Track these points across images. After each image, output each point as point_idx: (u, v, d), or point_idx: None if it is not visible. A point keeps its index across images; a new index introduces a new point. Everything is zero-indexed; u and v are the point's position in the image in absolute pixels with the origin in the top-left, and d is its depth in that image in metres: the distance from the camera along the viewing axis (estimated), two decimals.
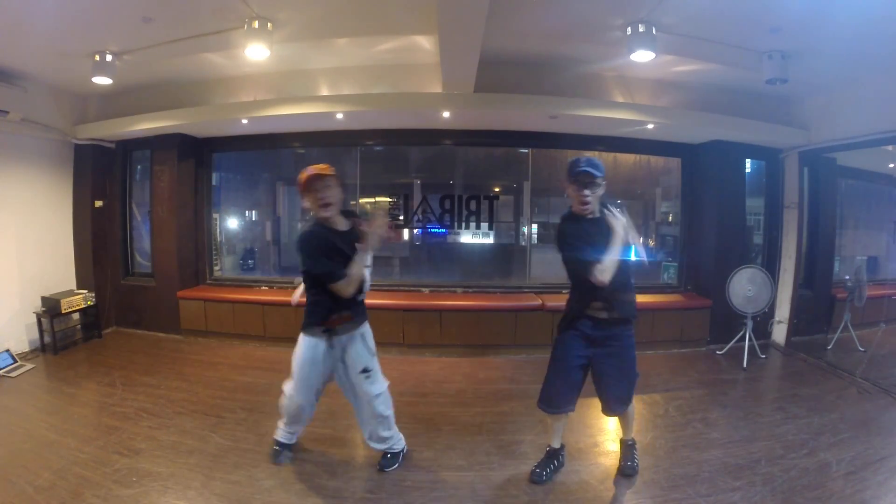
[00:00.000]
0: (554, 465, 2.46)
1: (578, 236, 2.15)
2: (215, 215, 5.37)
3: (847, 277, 4.63)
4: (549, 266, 5.39)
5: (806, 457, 2.60)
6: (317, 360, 2.39)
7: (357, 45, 3.71)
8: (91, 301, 4.66)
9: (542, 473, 2.40)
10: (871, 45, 3.08)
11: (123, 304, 5.12)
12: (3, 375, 3.72)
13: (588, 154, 5.16)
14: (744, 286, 4.29)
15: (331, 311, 2.30)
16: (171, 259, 4.92)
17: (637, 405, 3.06)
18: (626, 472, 2.46)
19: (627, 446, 2.54)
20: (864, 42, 3.04)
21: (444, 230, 5.23)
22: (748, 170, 4.99)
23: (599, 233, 2.12)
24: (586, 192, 2.11)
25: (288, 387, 2.46)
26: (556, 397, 2.31)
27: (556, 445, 2.48)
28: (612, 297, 2.18)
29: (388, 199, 5.22)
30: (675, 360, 4.33)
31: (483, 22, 2.66)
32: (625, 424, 2.53)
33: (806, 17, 2.81)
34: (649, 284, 5.14)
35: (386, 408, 2.45)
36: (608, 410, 2.36)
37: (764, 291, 4.24)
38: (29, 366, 3.95)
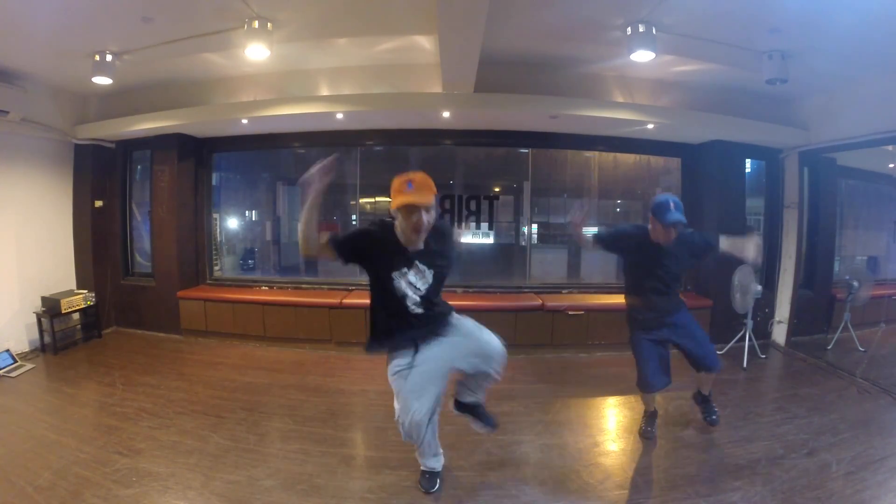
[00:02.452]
0: (655, 421, 2.88)
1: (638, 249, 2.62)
2: (215, 215, 5.37)
3: (848, 277, 4.62)
4: (549, 266, 5.40)
5: (806, 457, 2.60)
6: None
7: (357, 45, 3.71)
8: (91, 301, 4.66)
9: (651, 431, 2.82)
10: (871, 45, 3.08)
11: (123, 304, 5.12)
12: (3, 375, 3.72)
13: (587, 154, 5.25)
14: (734, 285, 4.28)
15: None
16: (171, 259, 4.92)
17: (637, 405, 3.08)
18: (713, 423, 2.91)
19: (706, 399, 2.95)
20: (864, 42, 3.03)
21: None
22: (748, 170, 4.99)
23: (665, 256, 2.55)
24: (673, 234, 2.48)
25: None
26: (653, 378, 2.68)
27: (652, 409, 2.89)
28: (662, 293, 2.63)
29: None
30: (675, 360, 4.29)
31: (483, 22, 2.66)
32: (707, 381, 2.89)
33: (806, 17, 2.81)
34: None
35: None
36: (705, 369, 2.75)
37: (751, 288, 4.22)
38: (29, 366, 3.95)
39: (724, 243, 2.71)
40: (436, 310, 2.12)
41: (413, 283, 2.03)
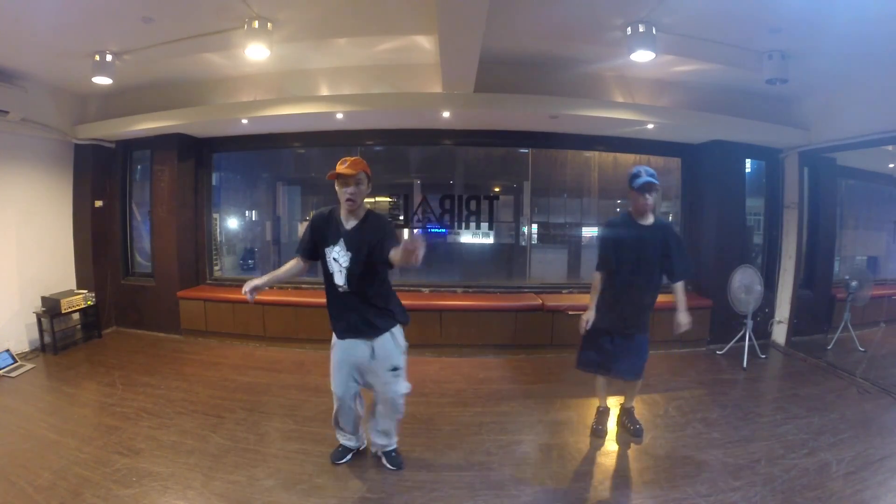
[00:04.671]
0: (606, 420, 2.96)
1: (623, 242, 2.61)
2: (215, 215, 5.37)
3: (847, 277, 4.62)
4: (549, 266, 5.40)
5: (806, 457, 2.60)
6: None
7: (357, 45, 3.71)
8: (91, 301, 4.66)
9: (600, 428, 2.89)
10: (871, 45, 3.08)
11: (123, 304, 5.12)
12: (3, 375, 3.73)
13: (587, 154, 5.25)
14: (736, 285, 4.29)
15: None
16: (171, 259, 4.92)
17: (637, 405, 3.08)
18: (636, 434, 2.84)
19: (629, 412, 2.96)
20: (864, 42, 3.04)
21: (444, 230, 5.23)
22: (748, 170, 4.99)
23: (648, 238, 2.58)
24: (648, 196, 2.52)
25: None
26: (588, 360, 2.81)
27: (605, 405, 2.98)
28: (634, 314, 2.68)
29: (389, 199, 5.22)
30: (675, 360, 4.33)
31: (483, 22, 2.66)
32: (631, 394, 2.96)
33: (806, 17, 2.81)
34: None
35: (402, 409, 2.47)
36: (625, 376, 2.80)
37: (755, 288, 4.23)
38: (29, 366, 3.95)
39: (680, 289, 2.66)
40: (367, 296, 2.27)
41: (337, 259, 2.27)
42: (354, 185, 2.20)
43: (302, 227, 5.91)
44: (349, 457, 2.58)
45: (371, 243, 2.21)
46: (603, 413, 2.97)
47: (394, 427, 2.52)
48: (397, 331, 2.37)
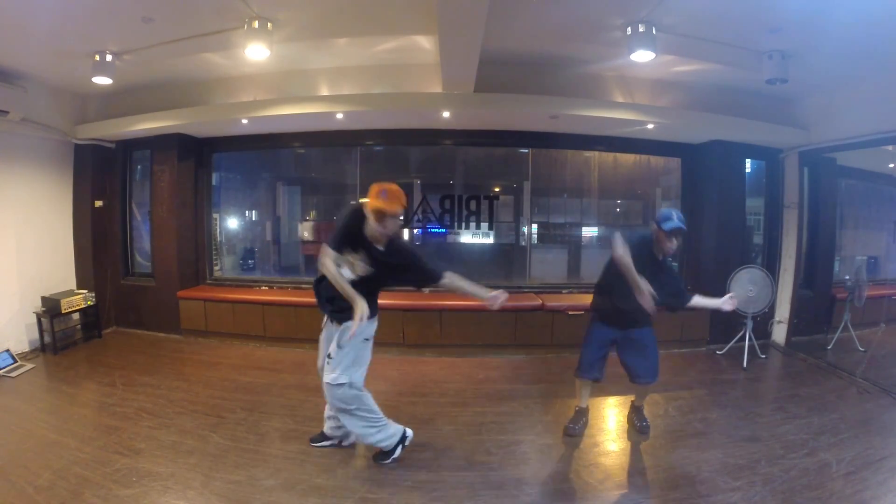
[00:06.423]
0: (583, 421, 2.94)
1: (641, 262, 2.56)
2: (215, 215, 5.37)
3: (847, 277, 4.63)
4: (549, 266, 5.40)
5: (806, 457, 2.60)
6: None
7: (357, 45, 3.72)
8: (91, 301, 4.66)
9: (575, 427, 2.88)
10: (870, 45, 3.08)
11: (123, 304, 5.12)
12: (3, 375, 3.72)
13: (587, 154, 5.25)
14: (744, 286, 4.28)
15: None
16: (171, 259, 4.92)
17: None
18: (642, 431, 2.90)
19: (638, 409, 3.00)
20: (864, 42, 3.04)
21: (444, 230, 5.23)
22: (748, 170, 4.99)
23: (658, 269, 2.62)
24: (675, 240, 2.57)
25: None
26: (590, 366, 2.81)
27: (584, 405, 2.97)
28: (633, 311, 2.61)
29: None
30: (675, 360, 4.33)
31: (483, 22, 2.66)
32: (643, 393, 2.98)
33: (806, 16, 2.81)
34: None
35: (343, 403, 2.39)
36: (644, 381, 2.81)
37: (765, 291, 4.24)
38: (29, 366, 3.95)
39: (697, 301, 2.70)
40: (363, 294, 2.30)
41: (354, 263, 2.31)
42: (391, 218, 2.20)
43: (302, 227, 5.92)
44: (325, 444, 2.69)
45: (393, 266, 2.32)
46: (580, 413, 2.95)
47: (351, 421, 2.44)
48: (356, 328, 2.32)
